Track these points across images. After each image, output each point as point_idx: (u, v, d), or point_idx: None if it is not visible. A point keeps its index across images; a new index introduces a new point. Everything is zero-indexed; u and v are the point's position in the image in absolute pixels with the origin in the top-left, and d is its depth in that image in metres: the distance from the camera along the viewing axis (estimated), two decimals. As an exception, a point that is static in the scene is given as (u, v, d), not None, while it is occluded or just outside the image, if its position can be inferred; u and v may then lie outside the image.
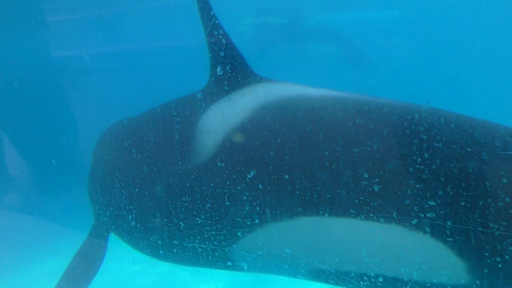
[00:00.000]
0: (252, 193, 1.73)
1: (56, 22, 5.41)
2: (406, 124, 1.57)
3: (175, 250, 2.02)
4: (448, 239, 1.47)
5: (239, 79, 1.96)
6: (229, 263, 1.88)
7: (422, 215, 1.49)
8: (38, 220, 4.82)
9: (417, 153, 1.52)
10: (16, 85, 3.63)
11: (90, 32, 6.83)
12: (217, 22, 1.97)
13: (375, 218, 1.55)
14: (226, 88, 1.96)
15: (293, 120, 1.70)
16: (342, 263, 1.65)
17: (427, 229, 1.49)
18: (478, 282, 1.49)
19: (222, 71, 1.98)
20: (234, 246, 1.82)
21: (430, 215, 1.49)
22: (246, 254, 1.81)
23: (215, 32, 1.95)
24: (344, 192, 1.59)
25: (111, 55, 6.31)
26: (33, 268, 5.08)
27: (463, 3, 8.26)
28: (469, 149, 1.47)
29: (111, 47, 6.87)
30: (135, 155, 2.19)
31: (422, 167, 1.51)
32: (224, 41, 1.94)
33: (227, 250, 1.85)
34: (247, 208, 1.75)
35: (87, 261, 2.78)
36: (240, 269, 1.87)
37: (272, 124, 1.73)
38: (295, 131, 1.68)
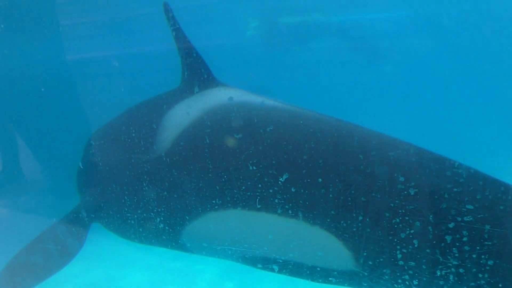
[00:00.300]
0: (285, 195, 1.74)
1: (69, 26, 5.46)
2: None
3: (204, 252, 2.03)
4: (486, 242, 1.47)
5: (201, 83, 2.24)
6: (259, 265, 1.88)
7: (459, 219, 1.49)
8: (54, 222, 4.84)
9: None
10: (43, 89, 3.69)
11: (103, 35, 6.88)
12: (184, 34, 2.29)
13: (411, 221, 1.56)
14: (189, 90, 2.24)
15: (228, 122, 1.95)
16: (376, 266, 1.65)
17: (464, 232, 1.49)
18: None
19: (188, 76, 2.28)
20: (265, 248, 1.82)
21: (468, 219, 1.49)
22: (278, 257, 1.81)
23: (183, 43, 2.27)
24: (379, 196, 1.61)
25: (125, 57, 6.35)
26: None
27: (470, 3, 8.27)
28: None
29: (124, 50, 6.91)
30: (116, 154, 2.48)
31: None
32: (190, 51, 2.25)
33: (257, 252, 1.85)
34: (279, 210, 1.75)
35: (57, 248, 2.72)
36: (271, 271, 1.87)
37: (213, 125, 1.99)
38: (226, 132, 1.91)
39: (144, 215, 2.23)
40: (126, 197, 2.32)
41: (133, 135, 2.38)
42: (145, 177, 2.18)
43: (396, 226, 1.60)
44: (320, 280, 1.78)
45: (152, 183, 2.15)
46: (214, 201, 1.88)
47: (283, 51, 8.62)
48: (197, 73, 2.27)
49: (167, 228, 2.14)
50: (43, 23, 4.34)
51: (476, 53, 8.41)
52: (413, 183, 1.57)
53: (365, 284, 1.69)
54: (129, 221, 2.35)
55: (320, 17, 8.56)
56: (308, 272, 1.79)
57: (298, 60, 8.51)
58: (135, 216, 2.29)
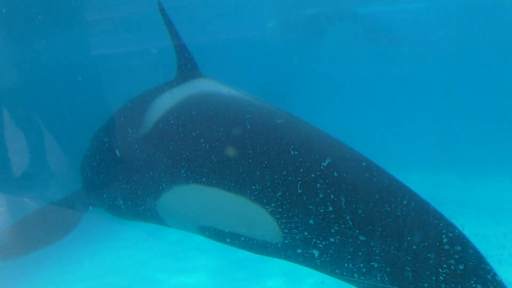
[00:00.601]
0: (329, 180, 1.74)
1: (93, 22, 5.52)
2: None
3: (243, 238, 2.04)
4: None
5: (188, 75, 2.55)
6: (299, 250, 1.89)
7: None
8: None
9: None
10: (80, 79, 3.79)
11: (121, 31, 6.95)
12: (176, 31, 2.57)
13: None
14: (176, 82, 2.55)
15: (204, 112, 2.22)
16: (420, 251, 1.64)
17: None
18: None
19: (178, 69, 2.60)
20: (305, 233, 1.83)
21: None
22: (318, 241, 1.81)
23: (176, 40, 2.57)
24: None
25: (144, 53, 6.41)
26: (77, 262, 5.24)
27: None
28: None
29: (142, 45, 6.97)
30: (111, 142, 2.84)
31: None
32: (182, 46, 2.56)
33: (297, 237, 1.85)
34: (321, 195, 1.76)
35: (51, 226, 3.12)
36: (311, 257, 1.87)
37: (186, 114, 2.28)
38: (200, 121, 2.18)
39: (130, 194, 2.55)
40: (119, 180, 2.65)
41: (126, 124, 2.76)
42: (131, 158, 2.53)
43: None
44: (364, 270, 1.77)
45: (134, 162, 2.49)
46: (177, 178, 2.17)
47: (302, 43, 8.63)
48: (185, 66, 2.58)
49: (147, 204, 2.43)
50: (78, 15, 4.44)
51: (495, 47, 8.27)
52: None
53: (408, 269, 1.69)
54: (117, 200, 2.69)
55: (338, 7, 8.55)
56: (349, 257, 1.78)
57: (316, 52, 8.50)
58: (123, 196, 2.62)
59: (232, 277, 4.70)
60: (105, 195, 2.87)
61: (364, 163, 1.79)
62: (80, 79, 3.76)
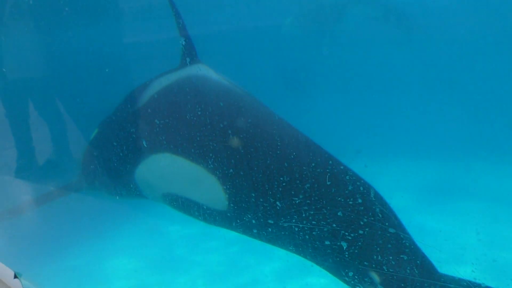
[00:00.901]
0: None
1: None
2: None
3: (270, 230, 2.06)
4: None
5: (189, 63, 2.77)
6: (327, 242, 1.90)
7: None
8: (106, 204, 5.04)
9: None
10: (107, 70, 3.87)
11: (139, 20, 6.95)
12: (183, 21, 2.78)
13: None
14: (181, 68, 2.75)
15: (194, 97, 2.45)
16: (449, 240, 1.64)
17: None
18: None
19: (183, 57, 2.80)
20: (334, 225, 1.84)
21: None
22: (347, 234, 1.82)
23: (182, 31, 2.80)
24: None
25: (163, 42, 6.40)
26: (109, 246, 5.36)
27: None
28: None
29: (162, 35, 6.97)
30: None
31: None
32: (186, 37, 2.76)
33: (325, 229, 1.87)
34: (350, 187, 1.76)
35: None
36: (339, 249, 1.88)
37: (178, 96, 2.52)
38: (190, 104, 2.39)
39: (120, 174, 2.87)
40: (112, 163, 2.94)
41: (121, 112, 3.06)
42: (121, 141, 2.78)
43: None
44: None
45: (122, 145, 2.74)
46: (155, 150, 2.43)
47: (322, 33, 8.52)
48: (187, 54, 2.81)
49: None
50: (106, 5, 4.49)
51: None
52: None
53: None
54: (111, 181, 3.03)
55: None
56: (378, 248, 1.78)
57: (336, 40, 8.38)
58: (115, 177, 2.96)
59: (247, 262, 4.75)
60: (101, 177, 3.25)
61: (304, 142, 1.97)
62: (107, 70, 3.83)
